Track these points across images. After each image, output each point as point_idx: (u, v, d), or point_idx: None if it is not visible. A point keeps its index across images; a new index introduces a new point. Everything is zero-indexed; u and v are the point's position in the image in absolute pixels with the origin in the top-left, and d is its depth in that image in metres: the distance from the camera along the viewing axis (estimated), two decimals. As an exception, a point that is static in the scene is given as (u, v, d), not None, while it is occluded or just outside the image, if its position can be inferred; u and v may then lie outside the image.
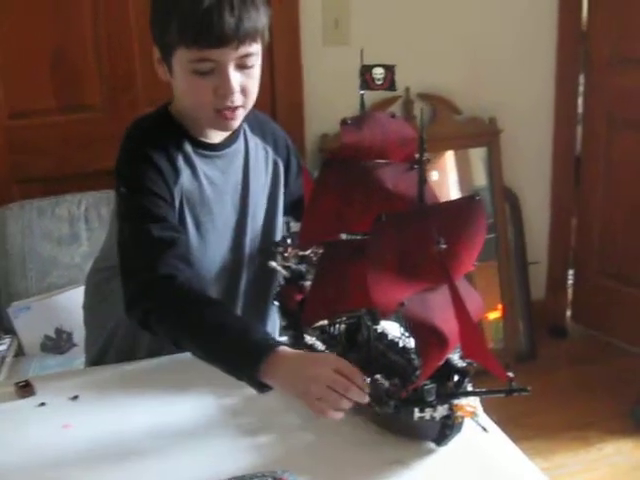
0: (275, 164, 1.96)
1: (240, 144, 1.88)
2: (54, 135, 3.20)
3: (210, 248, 1.84)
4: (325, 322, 1.73)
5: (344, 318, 1.71)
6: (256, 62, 1.72)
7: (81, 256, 3.01)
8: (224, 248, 1.88)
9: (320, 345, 1.68)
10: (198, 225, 1.81)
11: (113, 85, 3.21)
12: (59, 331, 2.93)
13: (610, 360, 3.89)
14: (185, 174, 1.78)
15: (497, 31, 3.77)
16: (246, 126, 1.89)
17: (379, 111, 3.06)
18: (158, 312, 1.64)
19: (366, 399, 1.42)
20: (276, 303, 1.83)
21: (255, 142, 1.92)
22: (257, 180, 1.91)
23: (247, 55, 1.68)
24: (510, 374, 1.33)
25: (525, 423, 3.28)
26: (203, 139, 1.82)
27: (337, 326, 1.72)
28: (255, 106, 1.82)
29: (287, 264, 1.80)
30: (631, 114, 3.83)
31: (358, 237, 1.56)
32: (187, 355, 1.87)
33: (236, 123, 1.77)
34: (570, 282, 4.30)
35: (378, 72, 1.54)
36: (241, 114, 1.76)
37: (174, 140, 1.79)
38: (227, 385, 1.67)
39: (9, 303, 2.94)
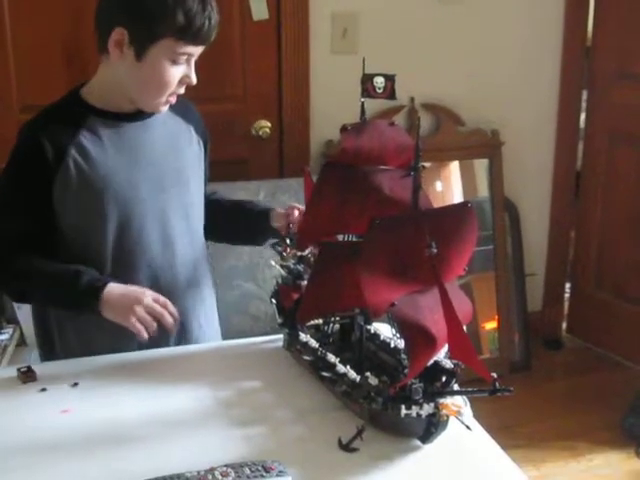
0: (198, 143, 2.08)
1: (155, 119, 1.97)
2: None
3: (136, 218, 1.93)
4: (320, 321, 1.79)
5: (338, 318, 1.76)
6: None
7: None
8: (153, 221, 1.96)
9: (314, 343, 1.73)
10: (108, 192, 1.89)
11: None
12: (61, 323, 2.97)
13: (603, 372, 3.94)
14: (88, 145, 1.88)
15: (502, 45, 3.82)
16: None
17: (379, 119, 3.11)
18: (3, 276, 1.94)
19: (172, 323, 1.79)
20: (273, 301, 1.88)
21: (177, 121, 2.03)
22: (179, 155, 2.02)
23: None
24: (494, 374, 1.38)
25: (517, 432, 3.33)
26: (116, 110, 1.93)
27: (331, 325, 1.77)
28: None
29: (285, 264, 1.85)
30: (633, 130, 3.88)
31: (354, 239, 1.62)
32: (186, 348, 1.94)
33: (167, 107, 1.95)
34: (567, 295, 4.35)
35: (379, 81, 1.59)
36: None
37: (76, 117, 1.91)
38: (223, 378, 1.74)
39: (13, 294, 2.98)
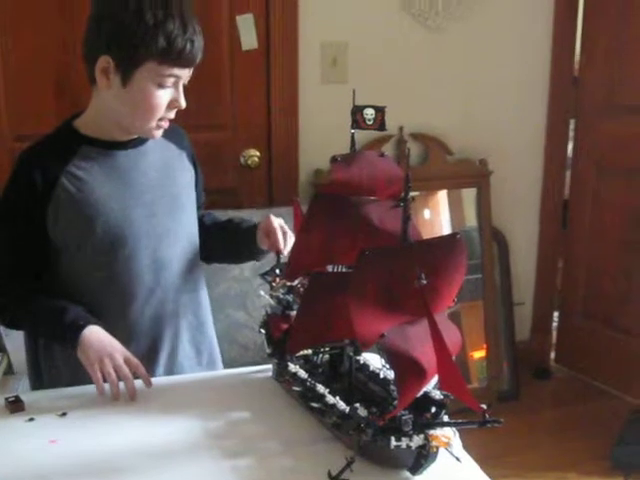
0: (190, 170, 2.12)
1: (148, 146, 2.01)
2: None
3: (128, 244, 1.94)
4: (309, 352, 1.79)
5: (328, 348, 1.76)
6: None
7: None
8: (146, 247, 1.97)
9: (303, 373, 1.72)
10: (99, 219, 1.91)
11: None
12: (49, 352, 2.95)
13: (592, 402, 3.93)
14: (79, 174, 1.91)
15: (490, 75, 3.84)
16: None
17: (369, 150, 3.12)
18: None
19: (134, 391, 1.78)
20: (262, 331, 1.87)
21: (169, 148, 2.07)
22: (175, 179, 2.05)
23: (189, 74, 1.90)
24: (484, 406, 1.38)
25: (506, 462, 3.32)
26: (108, 139, 1.95)
27: (321, 356, 1.77)
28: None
29: (275, 294, 1.85)
30: (619, 160, 3.91)
31: (343, 269, 1.62)
32: (176, 378, 1.94)
33: (161, 132, 1.96)
34: (555, 324, 4.35)
35: (369, 113, 1.60)
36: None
37: (68, 147, 1.93)
38: (212, 409, 1.73)
39: (1, 322, 2.97)
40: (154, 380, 1.86)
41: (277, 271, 1.86)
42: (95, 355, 1.79)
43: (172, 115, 1.92)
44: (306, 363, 1.78)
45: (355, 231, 1.55)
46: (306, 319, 1.63)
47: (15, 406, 1.73)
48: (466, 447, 1.57)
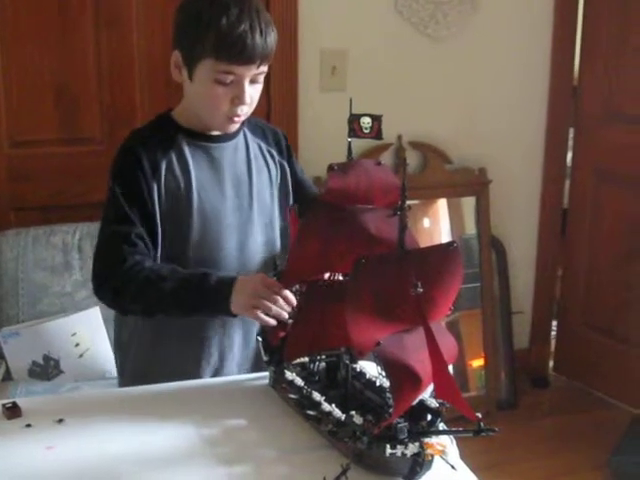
0: (282, 166, 2.15)
1: (239, 142, 2.06)
2: (53, 166, 3.26)
3: (215, 232, 1.99)
4: (306, 359, 1.79)
5: (324, 356, 1.77)
6: (263, 78, 1.94)
7: (73, 285, 3.05)
8: (231, 237, 2.02)
9: (300, 381, 1.73)
10: (197, 205, 1.97)
11: (113, 119, 3.28)
12: (47, 358, 2.96)
13: (590, 411, 3.94)
14: (177, 162, 1.96)
15: (490, 84, 3.85)
16: (246, 130, 2.08)
17: (367, 158, 3.13)
18: (124, 288, 1.88)
19: (287, 307, 1.73)
20: (259, 339, 1.88)
21: (258, 144, 2.11)
22: (260, 176, 2.08)
23: (261, 72, 1.91)
24: (479, 415, 1.39)
25: (503, 471, 3.31)
26: (202, 131, 2.00)
27: (317, 364, 1.77)
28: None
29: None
30: (619, 169, 3.91)
31: (340, 278, 1.63)
32: (172, 385, 1.93)
33: (237, 127, 2.02)
34: (553, 333, 4.35)
35: (366, 121, 1.60)
36: (243, 120, 1.99)
37: (167, 135, 1.98)
38: (208, 416, 1.73)
39: (-1, 328, 2.98)
40: (150, 387, 1.87)
41: (274, 279, 1.86)
42: (248, 301, 1.77)
43: (240, 111, 1.93)
44: (302, 371, 1.79)
45: (351, 239, 1.55)
46: (303, 327, 1.64)
47: (12, 412, 1.73)
48: (463, 456, 1.57)
